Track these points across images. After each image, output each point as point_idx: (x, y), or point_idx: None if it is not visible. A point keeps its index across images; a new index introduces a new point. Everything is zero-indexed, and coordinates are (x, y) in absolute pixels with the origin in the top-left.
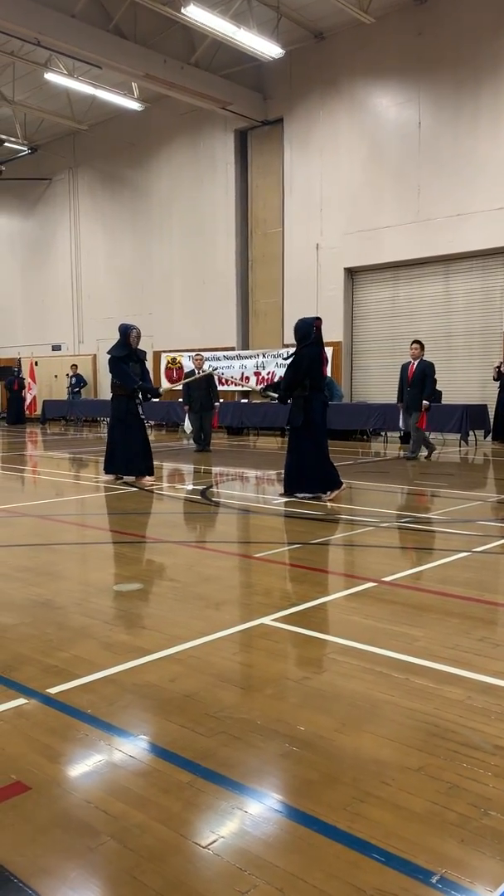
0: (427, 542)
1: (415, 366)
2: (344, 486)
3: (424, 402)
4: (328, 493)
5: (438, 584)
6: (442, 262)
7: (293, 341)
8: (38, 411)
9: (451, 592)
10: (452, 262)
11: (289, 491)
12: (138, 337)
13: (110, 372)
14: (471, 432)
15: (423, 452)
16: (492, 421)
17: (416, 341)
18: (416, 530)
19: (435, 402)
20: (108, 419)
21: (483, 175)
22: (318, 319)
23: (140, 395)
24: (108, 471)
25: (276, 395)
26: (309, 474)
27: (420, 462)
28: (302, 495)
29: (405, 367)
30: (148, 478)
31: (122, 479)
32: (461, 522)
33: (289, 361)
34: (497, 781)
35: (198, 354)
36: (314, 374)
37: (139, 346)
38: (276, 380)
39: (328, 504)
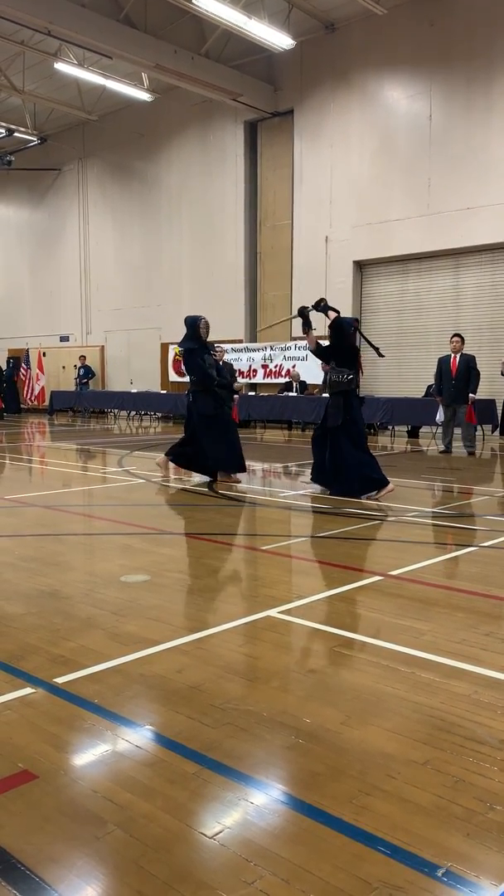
0: (434, 536)
1: (457, 359)
2: (391, 486)
3: (471, 395)
4: (375, 492)
5: (445, 578)
6: (451, 256)
7: (301, 334)
8: (46, 402)
9: (458, 587)
10: (462, 256)
11: (319, 482)
12: (207, 328)
13: (185, 367)
14: (478, 427)
15: (441, 447)
16: (499, 416)
17: (456, 334)
18: (423, 524)
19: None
20: (186, 416)
21: (494, 169)
22: (357, 320)
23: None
24: (177, 462)
25: (311, 310)
26: (348, 475)
27: (427, 457)
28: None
29: (445, 361)
30: (240, 475)
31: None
32: (468, 517)
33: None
34: (503, 776)
35: (218, 346)
36: (356, 369)
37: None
38: (284, 373)
39: (375, 502)
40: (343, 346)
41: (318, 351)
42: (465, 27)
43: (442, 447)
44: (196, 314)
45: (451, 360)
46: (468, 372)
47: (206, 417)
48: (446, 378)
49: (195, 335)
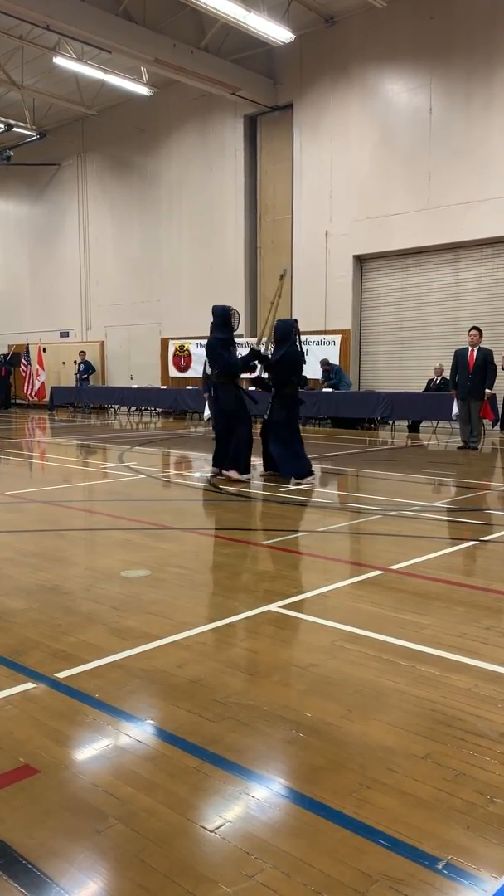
0: (434, 530)
1: (475, 353)
2: (312, 477)
3: (487, 390)
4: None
5: (445, 572)
6: (451, 250)
7: (302, 329)
8: (47, 398)
9: (458, 581)
10: (462, 250)
11: (269, 470)
12: (238, 319)
13: (210, 358)
14: (481, 421)
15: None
16: (500, 410)
17: (474, 327)
18: (424, 519)
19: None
20: (214, 412)
21: (494, 162)
22: (296, 321)
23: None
24: (214, 464)
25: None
26: (291, 459)
27: (427, 450)
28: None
29: (462, 354)
30: (243, 475)
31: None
32: (468, 511)
33: (274, 359)
34: (503, 769)
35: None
36: (299, 373)
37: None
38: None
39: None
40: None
41: (276, 384)
42: (465, 20)
43: (461, 442)
44: (224, 304)
45: (469, 353)
46: (485, 366)
47: (227, 413)
48: (462, 371)
49: (229, 323)
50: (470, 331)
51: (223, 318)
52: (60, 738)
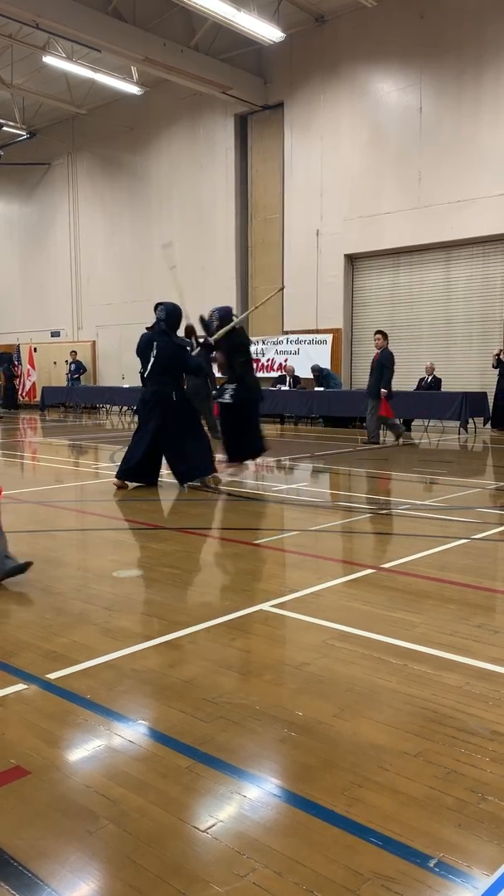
0: (425, 529)
1: (378, 355)
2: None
3: (383, 389)
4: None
5: (437, 570)
6: (443, 249)
7: (293, 328)
8: (38, 398)
9: (450, 579)
10: (453, 249)
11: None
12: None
13: (175, 366)
14: (470, 420)
15: (390, 438)
16: (491, 408)
17: (378, 331)
18: (415, 517)
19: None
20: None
21: (484, 161)
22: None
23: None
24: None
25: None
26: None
27: (419, 449)
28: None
29: (374, 358)
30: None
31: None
32: (460, 509)
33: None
34: (494, 767)
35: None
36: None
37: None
38: (276, 367)
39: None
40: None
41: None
42: (454, 19)
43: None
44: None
45: (375, 356)
46: (381, 368)
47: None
48: (370, 373)
49: (178, 326)
50: (375, 334)
51: (177, 320)
52: (52, 738)
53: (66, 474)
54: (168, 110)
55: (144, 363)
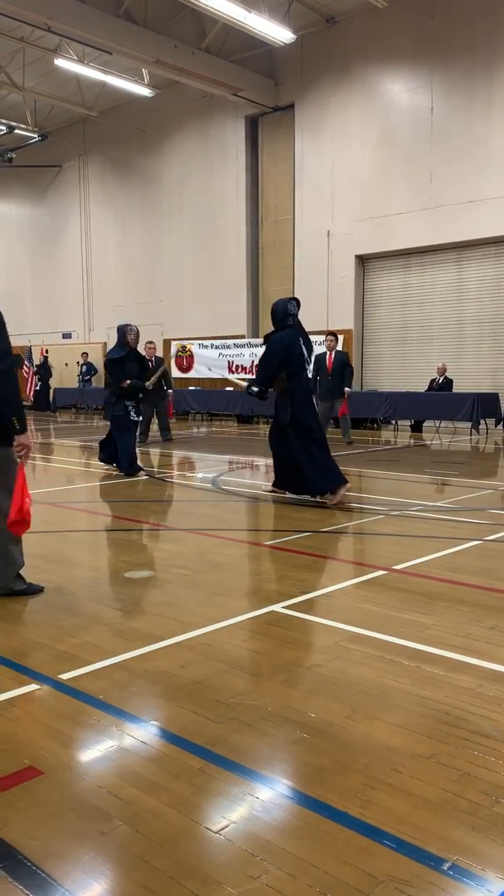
0: (437, 530)
1: (332, 357)
2: (347, 484)
3: (347, 388)
4: (329, 495)
5: (449, 572)
6: (454, 250)
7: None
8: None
9: (462, 581)
10: (464, 250)
11: (280, 487)
12: (137, 336)
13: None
14: (482, 421)
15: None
16: (503, 409)
17: (330, 333)
18: (427, 519)
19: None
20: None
21: (496, 161)
22: (296, 299)
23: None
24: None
25: (256, 391)
26: (297, 476)
27: (430, 450)
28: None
29: (321, 360)
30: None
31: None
32: (472, 511)
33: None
34: None
35: (150, 343)
36: (291, 362)
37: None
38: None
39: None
40: (271, 366)
41: (259, 382)
42: (465, 19)
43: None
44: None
45: (328, 357)
46: (343, 368)
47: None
48: (323, 375)
49: (124, 342)
50: (327, 336)
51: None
52: (64, 739)
53: (78, 475)
54: (179, 112)
55: (302, 362)
